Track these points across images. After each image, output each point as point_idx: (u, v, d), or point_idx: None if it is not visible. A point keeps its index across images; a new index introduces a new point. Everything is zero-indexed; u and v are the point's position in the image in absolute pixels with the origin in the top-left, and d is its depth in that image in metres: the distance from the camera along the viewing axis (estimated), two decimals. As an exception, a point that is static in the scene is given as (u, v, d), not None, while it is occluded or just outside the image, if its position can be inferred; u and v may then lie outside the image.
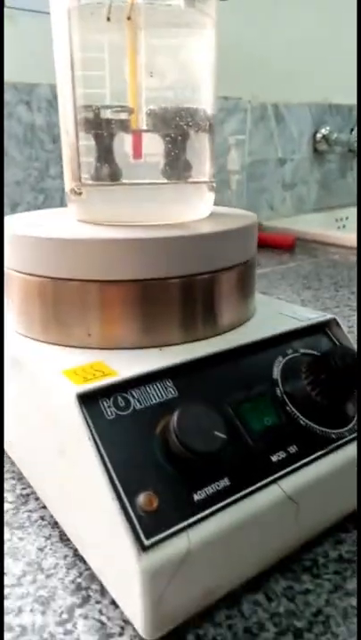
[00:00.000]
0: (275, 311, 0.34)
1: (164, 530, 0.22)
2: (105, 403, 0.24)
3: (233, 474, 0.25)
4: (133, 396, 0.25)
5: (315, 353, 0.32)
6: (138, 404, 0.25)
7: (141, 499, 0.22)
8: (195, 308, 0.29)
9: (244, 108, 1.10)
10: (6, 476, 0.35)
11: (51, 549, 0.29)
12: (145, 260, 0.27)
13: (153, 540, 0.21)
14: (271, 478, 0.25)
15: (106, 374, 0.25)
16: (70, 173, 0.32)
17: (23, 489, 0.33)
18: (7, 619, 0.25)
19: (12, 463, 0.35)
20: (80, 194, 0.31)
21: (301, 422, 0.28)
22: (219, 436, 0.24)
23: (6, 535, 0.30)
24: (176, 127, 0.31)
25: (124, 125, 0.30)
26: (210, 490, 0.24)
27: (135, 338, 0.28)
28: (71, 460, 0.25)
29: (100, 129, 0.30)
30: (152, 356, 0.27)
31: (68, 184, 0.32)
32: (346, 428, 0.29)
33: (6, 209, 0.89)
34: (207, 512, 0.23)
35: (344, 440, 0.28)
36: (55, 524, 0.30)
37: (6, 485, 0.34)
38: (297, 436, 0.27)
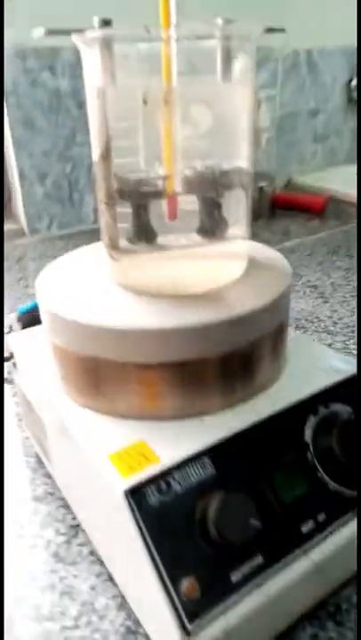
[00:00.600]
0: (306, 361, 0.35)
1: (206, 613, 0.25)
2: (149, 490, 0.26)
3: (266, 550, 0.27)
4: (174, 479, 0.27)
5: (346, 408, 0.33)
6: (178, 486, 0.27)
7: (184, 586, 0.25)
8: (232, 378, 0.31)
9: (275, 57, 1.04)
10: (55, 504, 0.38)
11: (101, 588, 0.32)
12: (184, 346, 0.28)
13: (195, 624, 0.24)
14: (301, 550, 0.28)
15: (149, 460, 0.27)
16: (107, 238, 0.32)
17: (73, 519, 0.37)
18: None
19: (59, 489, 0.38)
20: (117, 259, 0.32)
21: (330, 487, 0.30)
22: (254, 523, 0.26)
23: (61, 572, 0.33)
24: (212, 189, 0.31)
25: (158, 192, 0.30)
26: (245, 569, 0.26)
27: (174, 411, 0.30)
28: (119, 535, 0.27)
29: (136, 198, 0.30)
30: (191, 431, 0.29)
31: (106, 244, 0.33)
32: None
33: (35, 180, 0.88)
34: (243, 591, 0.26)
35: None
36: (103, 562, 0.34)
37: (57, 514, 0.37)
38: (326, 502, 0.30)
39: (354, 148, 1.26)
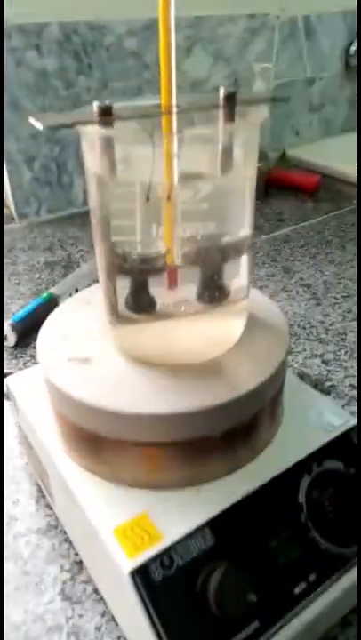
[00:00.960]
0: (301, 416, 0.36)
1: None
2: (153, 566, 0.28)
3: (261, 615, 0.29)
4: (177, 553, 0.29)
5: (338, 464, 0.34)
6: (180, 559, 0.29)
7: (187, 657, 0.27)
8: (232, 449, 0.32)
9: (272, 25, 0.99)
10: (59, 537, 0.40)
11: (106, 629, 0.35)
12: (186, 428, 0.29)
13: None
14: (294, 612, 0.30)
15: (152, 537, 0.29)
16: (107, 306, 0.32)
17: (76, 554, 0.39)
18: None
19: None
20: (116, 326, 0.32)
21: (322, 546, 0.32)
22: (251, 598, 0.28)
23: (68, 612, 0.36)
24: (214, 261, 0.31)
25: (158, 268, 0.30)
26: (243, 635, 0.28)
27: (174, 482, 0.31)
28: (122, 599, 0.29)
29: (135, 274, 0.30)
30: (191, 502, 0.31)
31: (105, 310, 0.33)
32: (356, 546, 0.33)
33: (22, 164, 0.86)
34: (241, 657, 0.28)
35: (355, 558, 0.32)
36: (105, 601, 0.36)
37: (60, 550, 0.39)
38: (316, 561, 0.32)
39: (350, 116, 1.22)
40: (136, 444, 0.30)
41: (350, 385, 0.54)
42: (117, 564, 0.28)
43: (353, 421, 0.36)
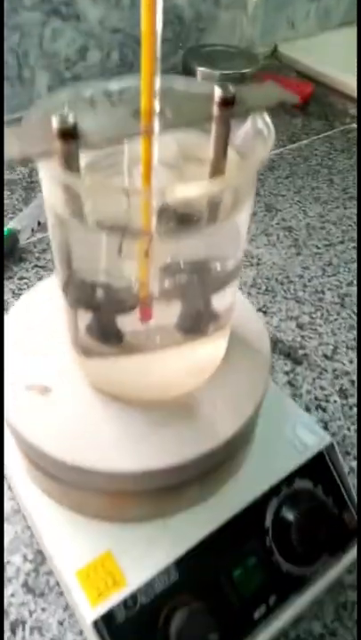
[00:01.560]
0: (275, 433, 0.35)
1: None
2: (117, 610, 0.28)
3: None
4: (141, 591, 0.29)
5: (308, 484, 0.34)
6: (144, 598, 0.29)
7: None
8: (202, 484, 0.30)
9: None
10: (21, 524, 0.40)
11: (69, 623, 0.36)
12: (157, 480, 0.27)
13: None
14: (252, 635, 0.31)
15: (116, 582, 0.28)
16: (70, 336, 0.29)
17: (37, 543, 0.39)
18: None
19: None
20: (80, 358, 0.29)
21: (283, 569, 0.32)
22: (213, 638, 0.28)
23: (31, 605, 0.36)
24: (199, 295, 0.27)
25: (129, 304, 0.27)
26: (202, 664, 0.29)
27: (142, 518, 0.30)
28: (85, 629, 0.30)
29: (100, 310, 0.26)
30: (156, 539, 0.30)
31: (70, 341, 0.29)
32: (316, 565, 0.33)
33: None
34: None
35: (316, 578, 0.33)
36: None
37: (24, 537, 0.39)
38: (277, 584, 0.32)
39: (351, 7, 1.08)
40: (101, 491, 0.28)
41: (323, 355, 0.52)
42: (80, 608, 0.27)
43: (327, 440, 0.35)
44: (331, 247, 0.65)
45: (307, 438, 0.35)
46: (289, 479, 0.33)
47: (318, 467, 0.35)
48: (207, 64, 0.83)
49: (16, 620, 0.36)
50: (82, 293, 0.25)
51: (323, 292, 0.59)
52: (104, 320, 0.27)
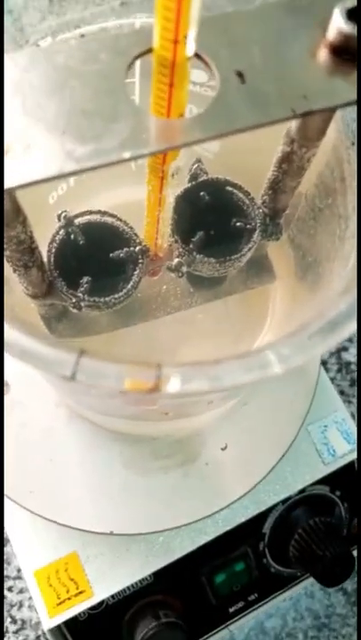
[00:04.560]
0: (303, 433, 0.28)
1: None
2: (79, 615, 0.25)
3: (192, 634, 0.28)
4: (108, 603, 0.26)
5: (324, 493, 0.29)
6: (111, 599, 0.26)
7: None
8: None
9: None
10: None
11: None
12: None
13: None
14: (224, 625, 0.29)
15: (80, 591, 0.25)
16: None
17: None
18: None
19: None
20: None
21: (272, 570, 0.29)
22: None
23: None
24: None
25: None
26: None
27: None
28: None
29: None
30: (135, 549, 0.26)
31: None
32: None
33: None
34: None
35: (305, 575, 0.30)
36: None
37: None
38: (262, 583, 0.29)
39: None
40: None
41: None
42: (40, 613, 0.25)
43: (353, 456, 0.28)
44: None
45: (337, 445, 0.28)
46: (303, 489, 0.28)
47: (343, 475, 0.29)
48: None
49: None
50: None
51: None
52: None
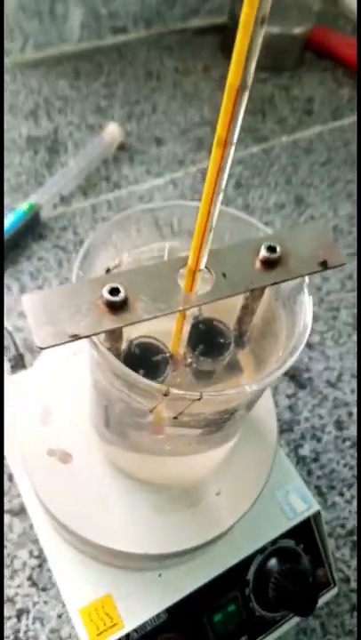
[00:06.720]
0: (268, 495, 0.38)
1: None
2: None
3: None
4: (135, 631, 0.33)
5: (290, 542, 0.38)
6: (135, 634, 0.33)
7: None
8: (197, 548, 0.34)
9: None
10: (29, 522, 0.44)
11: (66, 617, 0.41)
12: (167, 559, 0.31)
13: None
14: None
15: (114, 624, 0.33)
16: (91, 419, 0.31)
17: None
18: None
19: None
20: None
21: (257, 613, 0.37)
22: None
23: (35, 597, 0.42)
24: (212, 424, 0.29)
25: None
26: None
27: (140, 569, 0.34)
28: None
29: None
30: (153, 589, 0.34)
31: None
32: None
33: (6, -15, 0.68)
34: None
35: (285, 619, 0.38)
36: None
37: (31, 534, 0.44)
38: (249, 625, 0.37)
39: None
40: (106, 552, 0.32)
41: (327, 381, 0.55)
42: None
43: (315, 508, 0.38)
44: (354, 257, 0.64)
45: (298, 505, 0.38)
46: (275, 540, 0.37)
47: (304, 530, 0.38)
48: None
49: (21, 609, 0.41)
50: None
51: (338, 310, 0.59)
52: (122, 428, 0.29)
